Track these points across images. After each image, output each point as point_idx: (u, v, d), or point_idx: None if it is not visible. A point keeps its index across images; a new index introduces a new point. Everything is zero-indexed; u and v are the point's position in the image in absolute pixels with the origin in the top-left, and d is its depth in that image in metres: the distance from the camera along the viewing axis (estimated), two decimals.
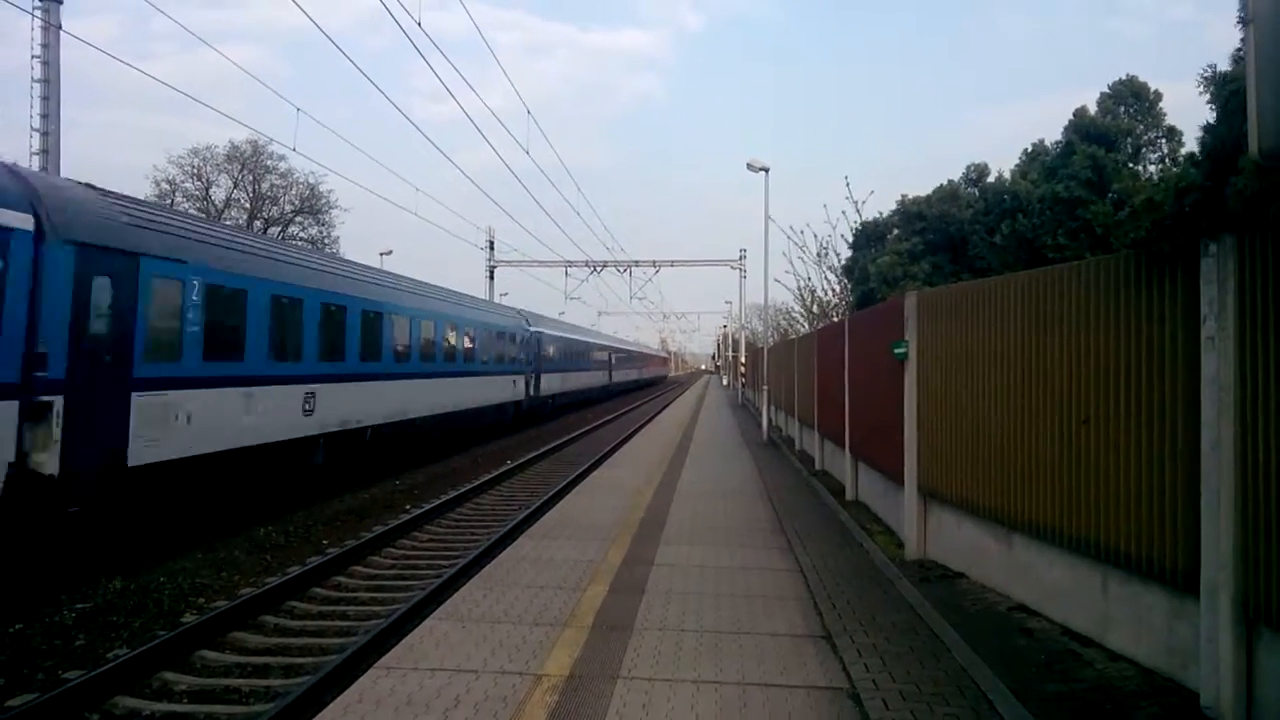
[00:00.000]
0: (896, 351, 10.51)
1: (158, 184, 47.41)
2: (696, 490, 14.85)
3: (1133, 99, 24.23)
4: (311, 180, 51.50)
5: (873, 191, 40.74)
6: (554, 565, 9.10)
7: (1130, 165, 22.86)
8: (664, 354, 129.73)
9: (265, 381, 14.45)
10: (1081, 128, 23.49)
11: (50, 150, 23.70)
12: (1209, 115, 13.87)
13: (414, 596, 9.65)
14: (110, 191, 12.03)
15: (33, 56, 23.90)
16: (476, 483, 18.25)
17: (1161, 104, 24.28)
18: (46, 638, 8.47)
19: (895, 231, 26.93)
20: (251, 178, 50.66)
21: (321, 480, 17.03)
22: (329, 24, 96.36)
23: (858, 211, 29.09)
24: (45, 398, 9.78)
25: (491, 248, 47.44)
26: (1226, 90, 11.64)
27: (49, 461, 9.75)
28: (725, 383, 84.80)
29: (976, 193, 25.71)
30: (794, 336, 34.01)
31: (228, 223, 41.53)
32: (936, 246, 24.86)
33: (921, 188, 37.24)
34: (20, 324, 9.58)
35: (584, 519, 11.82)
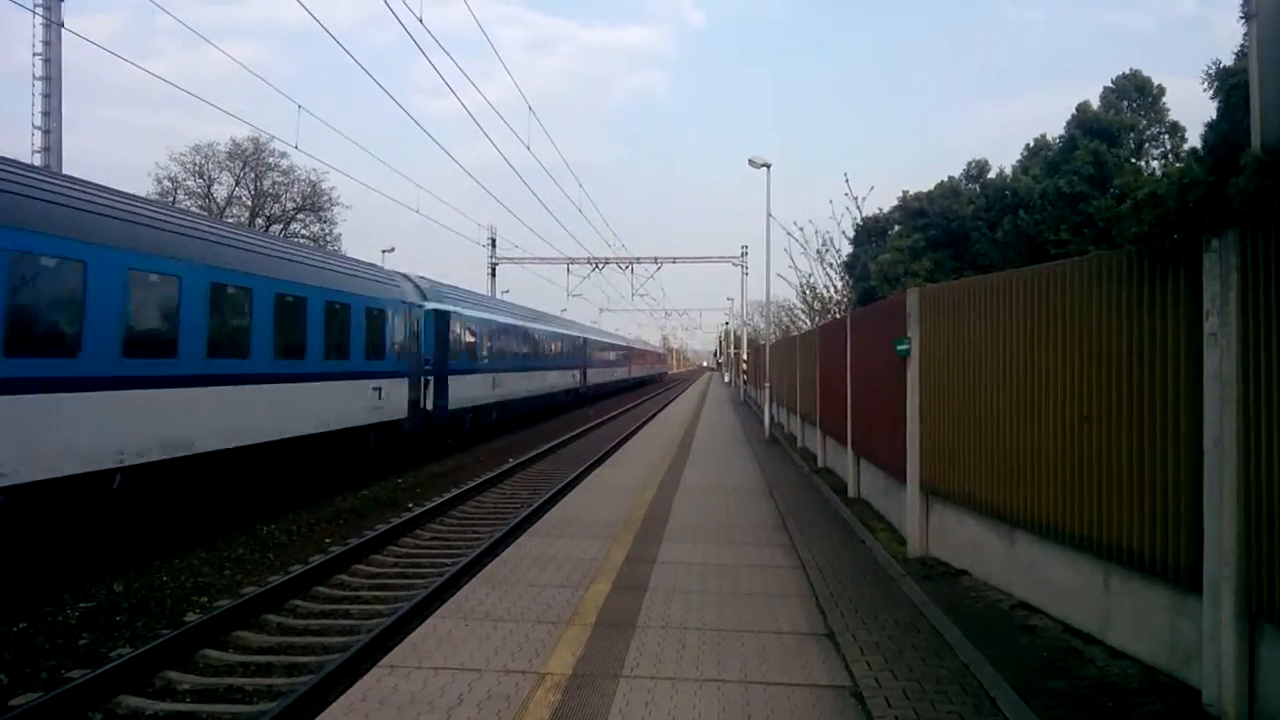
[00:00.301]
0: (899, 348, 10.50)
1: (159, 181, 47.49)
2: (699, 488, 14.85)
3: (1136, 94, 24.19)
4: (313, 178, 51.57)
5: (873, 187, 40.78)
6: (557, 563, 9.10)
7: (1133, 160, 22.83)
8: (658, 349, 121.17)
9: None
10: (1084, 123, 23.45)
11: (52, 148, 23.67)
12: (1212, 110, 13.84)
13: (417, 595, 9.65)
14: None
15: (34, 54, 23.88)
16: (478, 480, 18.26)
17: (1165, 99, 24.25)
18: (50, 637, 8.49)
19: (896, 228, 26.90)
20: (253, 175, 50.69)
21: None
22: (331, 21, 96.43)
23: (858, 208, 29.06)
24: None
25: (493, 245, 47.43)
26: (1228, 85, 11.61)
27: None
28: (727, 380, 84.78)
29: (978, 189, 25.68)
30: (796, 333, 34.01)
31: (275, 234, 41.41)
32: (938, 243, 24.83)
33: (923, 184, 37.18)
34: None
35: (586, 517, 11.83)
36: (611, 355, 64.10)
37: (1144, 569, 6.14)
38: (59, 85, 23.99)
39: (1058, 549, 7.28)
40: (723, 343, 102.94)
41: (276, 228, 49.79)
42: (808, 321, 37.13)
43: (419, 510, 14.81)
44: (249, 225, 44.90)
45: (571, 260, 47.35)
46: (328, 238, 52.32)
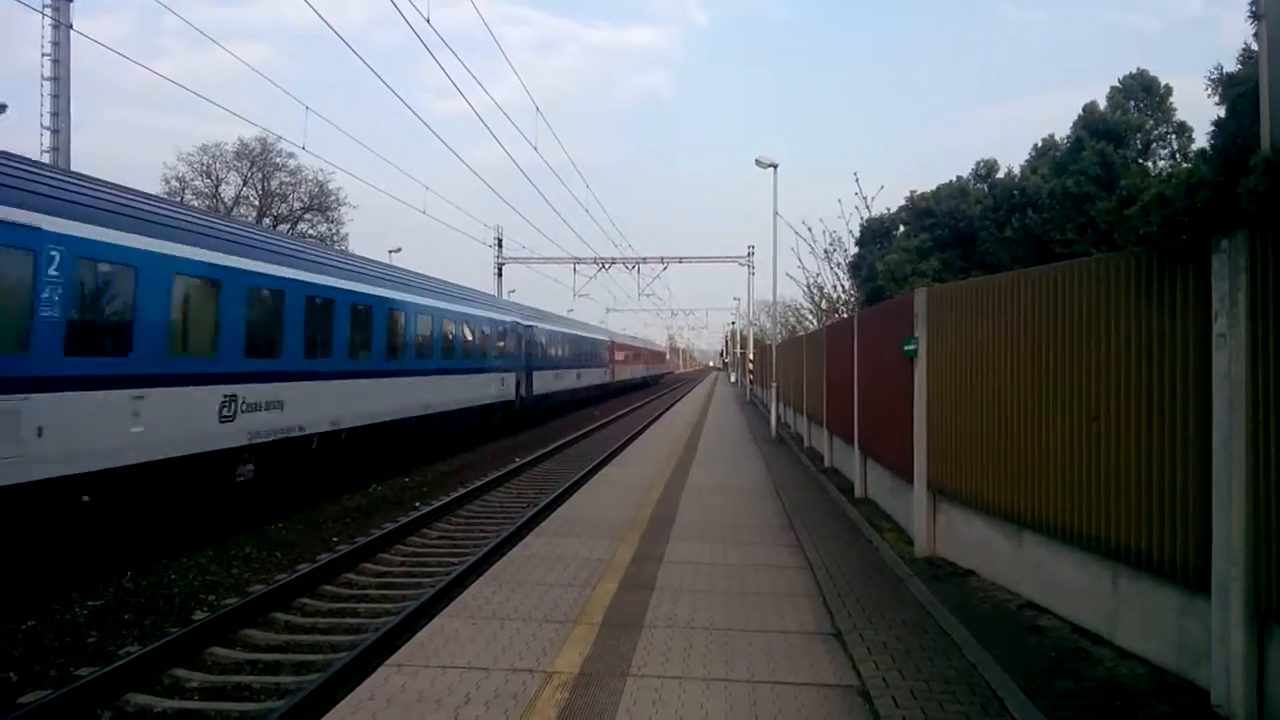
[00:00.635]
0: (906, 348, 10.49)
1: (167, 181, 47.66)
2: (705, 487, 14.85)
3: (1143, 93, 24.08)
4: (320, 178, 51.71)
5: (883, 187, 40.53)
6: (564, 562, 9.11)
7: (1140, 161, 22.73)
8: (662, 349, 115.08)
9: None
10: (1090, 123, 23.35)
11: (60, 148, 23.78)
12: (1219, 110, 13.78)
13: (424, 593, 9.67)
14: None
15: (43, 55, 23.98)
16: (485, 480, 18.28)
17: (1172, 99, 24.13)
18: (59, 635, 8.52)
19: (902, 228, 26.82)
20: (261, 175, 50.89)
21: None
22: (339, 22, 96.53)
23: (867, 208, 28.98)
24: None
25: (500, 244, 47.46)
26: (1234, 92, 11.57)
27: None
28: (733, 379, 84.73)
29: (986, 189, 25.60)
30: (802, 333, 33.96)
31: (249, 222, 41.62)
32: (945, 243, 24.75)
33: (927, 184, 37.11)
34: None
35: (593, 516, 11.84)
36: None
37: (1152, 569, 6.13)
38: (68, 86, 24.08)
39: (1066, 549, 7.27)
40: (729, 343, 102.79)
41: (284, 227, 49.90)
42: (814, 321, 37.08)
43: (426, 509, 14.84)
44: (256, 224, 44.95)
45: (578, 260, 47.38)
46: (334, 237, 52.47)
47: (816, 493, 15.09)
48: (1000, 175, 25.99)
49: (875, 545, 10.44)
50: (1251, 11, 9.64)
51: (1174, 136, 23.94)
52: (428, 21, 16.58)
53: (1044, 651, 6.71)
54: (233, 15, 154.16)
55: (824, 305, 35.02)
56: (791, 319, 51.14)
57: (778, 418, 28.25)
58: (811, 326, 35.72)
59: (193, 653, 7.99)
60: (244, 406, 13.54)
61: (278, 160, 50.24)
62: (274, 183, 51.40)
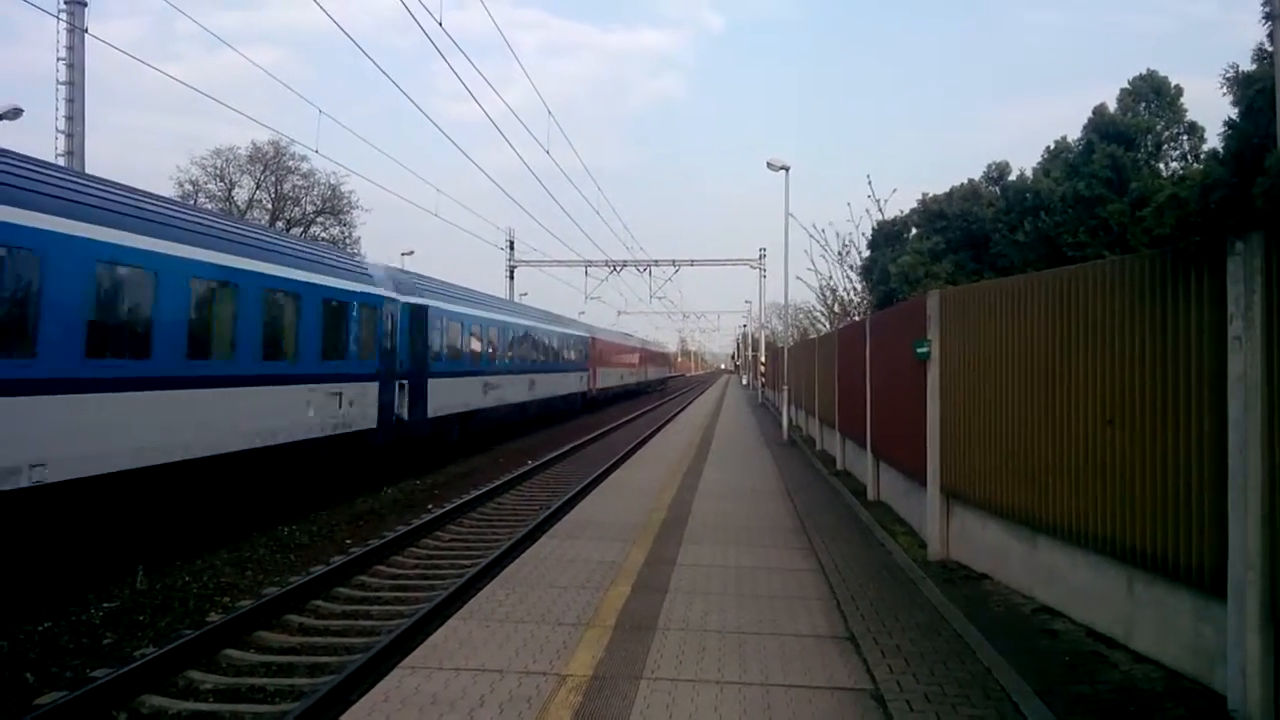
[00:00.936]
0: (919, 351, 10.47)
1: (180, 185, 47.91)
2: (718, 490, 14.84)
3: (1153, 95, 23.94)
4: (333, 181, 51.88)
5: (895, 190, 40.56)
6: (576, 565, 9.12)
7: (1151, 163, 22.62)
8: (662, 348, 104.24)
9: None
10: (1100, 126, 23.24)
11: (75, 152, 23.97)
12: (1232, 111, 13.72)
13: (437, 596, 9.69)
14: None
15: (58, 59, 24.18)
16: (498, 482, 18.31)
17: (1183, 99, 23.99)
18: (74, 636, 8.58)
19: (914, 231, 26.75)
20: (274, 178, 51.07)
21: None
22: (352, 26, 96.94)
23: (880, 210, 28.95)
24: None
25: (511, 248, 47.57)
26: (1250, 91, 11.51)
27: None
28: (745, 382, 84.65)
29: (998, 191, 25.52)
30: (814, 336, 33.91)
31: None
32: (958, 245, 24.68)
33: (938, 186, 37.04)
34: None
35: (605, 519, 11.84)
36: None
37: (1168, 573, 6.10)
38: (82, 90, 24.26)
39: (1080, 553, 7.24)
40: (741, 345, 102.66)
41: (296, 230, 50.11)
42: (826, 324, 37.01)
43: (439, 512, 14.87)
44: (269, 227, 45.16)
45: (589, 263, 47.43)
46: (347, 240, 52.65)
47: (829, 495, 15.07)
48: (1012, 177, 25.89)
49: (888, 548, 10.41)
50: (1265, 13, 9.61)
51: (1185, 137, 23.80)
52: (440, 25, 16.66)
53: (1059, 655, 6.68)
54: (245, 19, 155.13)
55: (837, 308, 34.99)
56: (804, 321, 51.11)
57: (789, 420, 28.23)
58: (824, 329, 35.67)
59: (207, 654, 8.03)
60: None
61: (290, 164, 50.50)
62: (287, 186, 51.61)
